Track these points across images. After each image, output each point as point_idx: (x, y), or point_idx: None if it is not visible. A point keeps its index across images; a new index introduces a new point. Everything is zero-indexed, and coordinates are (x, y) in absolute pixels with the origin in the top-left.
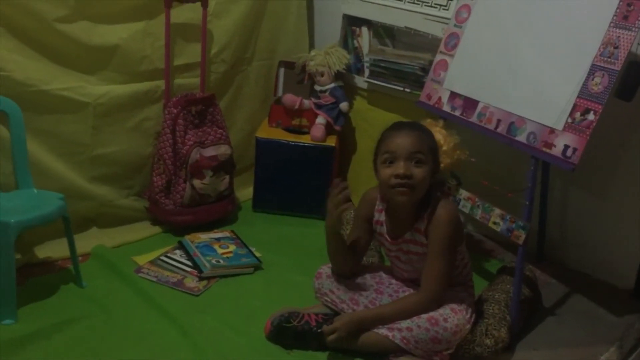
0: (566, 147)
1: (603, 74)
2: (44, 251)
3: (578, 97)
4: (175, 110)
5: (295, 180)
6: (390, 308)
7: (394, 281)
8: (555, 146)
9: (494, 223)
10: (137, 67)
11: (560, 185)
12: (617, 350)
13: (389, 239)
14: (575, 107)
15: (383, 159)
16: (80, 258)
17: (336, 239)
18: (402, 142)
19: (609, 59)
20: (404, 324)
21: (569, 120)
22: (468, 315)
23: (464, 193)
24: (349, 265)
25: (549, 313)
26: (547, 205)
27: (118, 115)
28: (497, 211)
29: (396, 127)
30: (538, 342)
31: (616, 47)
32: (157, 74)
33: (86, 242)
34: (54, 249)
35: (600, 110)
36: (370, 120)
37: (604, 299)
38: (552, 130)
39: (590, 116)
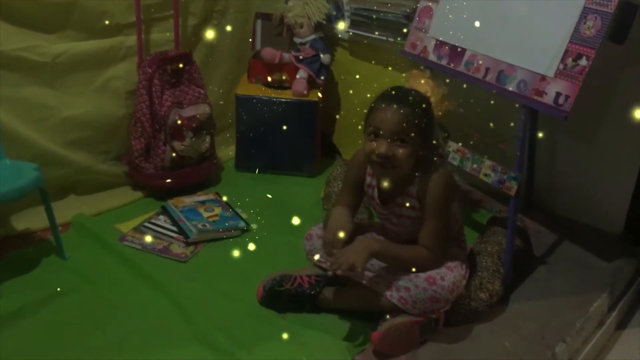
0: (558, 94)
1: (595, 17)
2: (22, 222)
3: (570, 42)
4: (150, 70)
5: (279, 137)
6: (407, 252)
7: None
8: (546, 94)
9: (485, 175)
10: (97, 23)
11: (547, 132)
12: (609, 296)
13: (380, 203)
14: (566, 53)
15: (368, 131)
16: (60, 228)
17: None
18: (388, 119)
19: (601, 1)
20: (402, 282)
21: (561, 66)
22: (463, 271)
23: (452, 145)
24: None
25: (541, 262)
26: (535, 153)
27: (81, 75)
28: (488, 163)
29: (387, 98)
30: (531, 292)
31: None
32: (119, 29)
33: (65, 211)
34: (32, 219)
35: (594, 55)
36: (353, 72)
37: (594, 244)
38: (543, 78)
39: (583, 62)
